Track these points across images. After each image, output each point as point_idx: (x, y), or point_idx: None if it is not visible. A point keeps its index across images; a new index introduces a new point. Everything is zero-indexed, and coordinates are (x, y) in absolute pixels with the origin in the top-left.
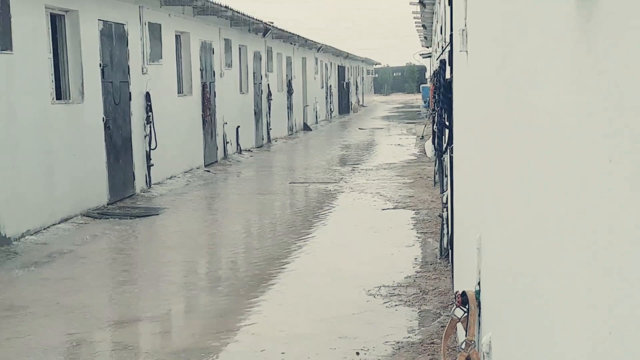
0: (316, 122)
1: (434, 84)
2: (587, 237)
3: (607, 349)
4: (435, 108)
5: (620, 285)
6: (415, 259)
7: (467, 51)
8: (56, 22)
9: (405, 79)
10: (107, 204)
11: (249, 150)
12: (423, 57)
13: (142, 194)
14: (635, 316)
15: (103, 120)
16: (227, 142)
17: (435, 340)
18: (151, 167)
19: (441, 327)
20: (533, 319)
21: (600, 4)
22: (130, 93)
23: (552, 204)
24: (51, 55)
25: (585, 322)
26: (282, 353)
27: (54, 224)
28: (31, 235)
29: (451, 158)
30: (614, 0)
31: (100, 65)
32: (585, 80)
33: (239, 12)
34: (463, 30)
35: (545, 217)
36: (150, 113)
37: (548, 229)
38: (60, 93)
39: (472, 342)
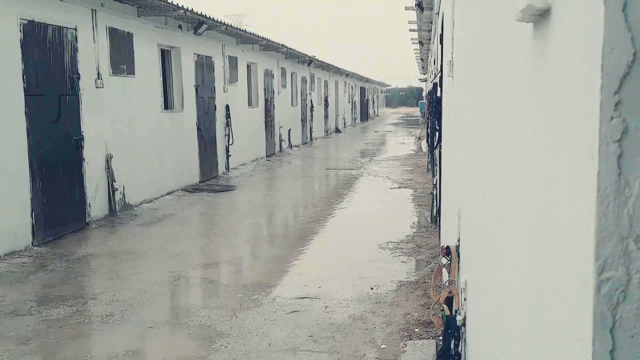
0: (344, 127)
1: (428, 100)
2: (524, 212)
3: (527, 281)
4: (429, 117)
5: (543, 240)
6: (413, 223)
7: (452, 76)
8: (164, 55)
9: (407, 96)
10: (198, 183)
11: (297, 146)
12: (420, 81)
13: (222, 175)
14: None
15: (196, 125)
16: (282, 140)
17: (426, 280)
18: (229, 157)
19: (431, 271)
20: (492, 264)
21: (550, 40)
22: (215, 105)
23: (503, 186)
24: (161, 78)
25: (518, 263)
26: (319, 287)
27: (162, 196)
28: (146, 203)
29: (440, 153)
30: (559, 43)
31: (194, 85)
32: (536, 97)
33: (291, 49)
34: (450, 61)
35: (497, 194)
36: (229, 119)
37: (500, 203)
38: (167, 105)
39: (453, 281)
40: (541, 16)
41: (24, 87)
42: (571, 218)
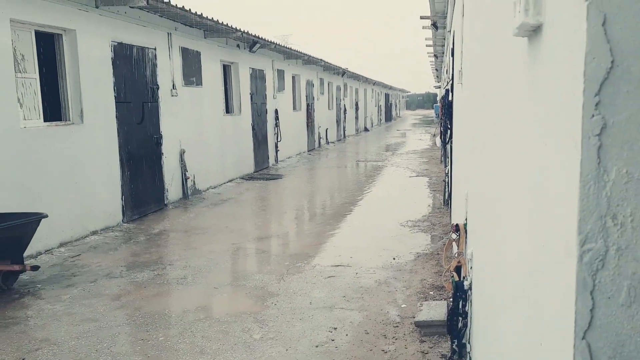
0: (372, 126)
1: (442, 104)
2: (519, 195)
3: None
4: (443, 118)
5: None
6: (429, 205)
7: (462, 83)
8: (226, 69)
9: (424, 100)
10: (253, 172)
11: (333, 142)
12: (435, 88)
13: (272, 166)
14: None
15: (251, 125)
16: (320, 138)
17: (439, 252)
18: (278, 151)
19: (443, 245)
20: (493, 239)
21: (541, 47)
22: (266, 110)
23: (502, 173)
24: (223, 88)
25: (514, 237)
26: (351, 257)
27: (224, 182)
28: (212, 189)
29: (451, 147)
30: (549, 53)
31: (250, 94)
32: (529, 95)
33: (328, 62)
34: (460, 70)
35: (498, 180)
36: (277, 121)
37: (500, 188)
38: (228, 109)
39: (462, 253)
40: (534, 31)
41: (114, 96)
42: (558, 199)
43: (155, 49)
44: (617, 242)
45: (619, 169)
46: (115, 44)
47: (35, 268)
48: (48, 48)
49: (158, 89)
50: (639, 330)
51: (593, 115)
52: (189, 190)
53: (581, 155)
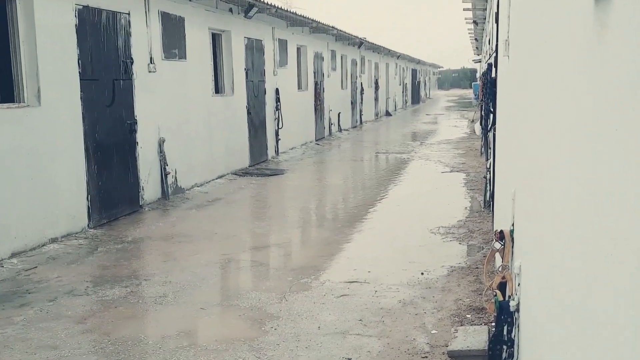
0: (395, 110)
1: (483, 81)
2: (579, 195)
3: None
4: (483, 99)
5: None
6: (466, 208)
7: (508, 56)
8: (215, 38)
9: (460, 78)
10: (248, 166)
11: (347, 129)
12: (474, 62)
13: (272, 159)
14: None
15: (246, 108)
16: (331, 124)
17: (479, 266)
18: (279, 141)
19: (483, 257)
20: (547, 248)
21: (612, 14)
22: (265, 89)
23: (559, 167)
24: (212, 62)
25: (572, 248)
26: (368, 272)
27: (212, 179)
28: (198, 186)
29: (494, 135)
30: (620, 16)
31: (245, 69)
32: (594, 75)
33: (341, 31)
34: (506, 40)
35: (553, 176)
36: (278, 103)
37: (556, 186)
38: (217, 89)
39: (507, 266)
40: None
41: (79, 72)
42: (627, 200)
43: (128, 14)
44: None
45: None
46: (80, 7)
47: None
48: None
49: (132, 63)
50: None
51: None
52: (169, 189)
53: None
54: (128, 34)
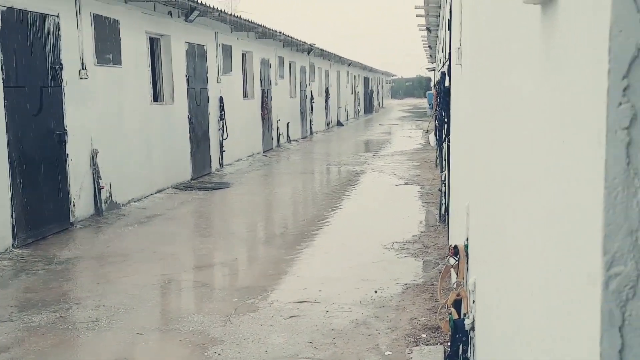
0: (347, 119)
1: (436, 90)
2: (533, 207)
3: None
4: (437, 109)
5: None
6: (420, 222)
7: (461, 64)
8: (153, 43)
9: (415, 87)
10: (191, 180)
11: (296, 140)
12: (429, 70)
13: (216, 172)
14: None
15: (188, 118)
16: (280, 134)
17: (434, 282)
18: (223, 152)
19: (439, 273)
20: (501, 263)
21: (558, 25)
22: (208, 97)
23: (512, 179)
24: (150, 68)
25: (527, 262)
26: (319, 291)
27: (151, 194)
28: (135, 202)
29: (448, 146)
30: (567, 25)
31: (186, 76)
32: (544, 85)
33: (289, 36)
34: (458, 48)
35: (506, 189)
36: (222, 112)
37: (509, 198)
38: (156, 96)
39: (462, 282)
40: None
41: (2, 79)
42: (579, 211)
43: (58, 16)
44: None
45: None
46: (4, 9)
47: None
48: None
49: (62, 69)
50: None
51: (620, 103)
52: (103, 205)
53: (606, 153)
54: (57, 38)
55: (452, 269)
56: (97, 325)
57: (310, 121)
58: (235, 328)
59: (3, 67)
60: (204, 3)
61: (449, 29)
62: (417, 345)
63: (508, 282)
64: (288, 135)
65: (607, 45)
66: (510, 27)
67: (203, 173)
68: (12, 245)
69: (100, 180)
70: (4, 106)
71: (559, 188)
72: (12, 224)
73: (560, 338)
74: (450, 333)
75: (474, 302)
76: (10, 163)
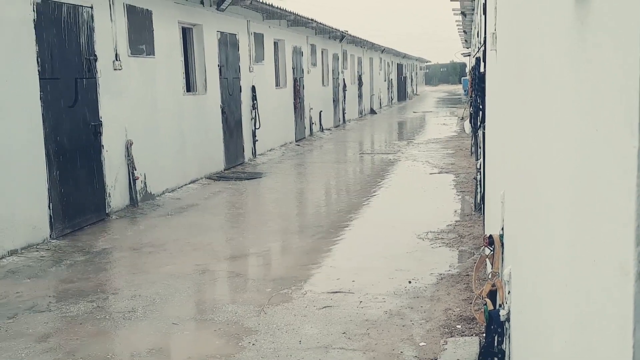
0: (380, 107)
1: (471, 77)
2: (566, 196)
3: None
4: (473, 95)
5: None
6: (455, 211)
7: (496, 50)
8: (186, 33)
9: (449, 73)
10: (224, 170)
11: (329, 129)
12: (464, 56)
13: (249, 162)
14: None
15: (220, 107)
16: (312, 123)
17: (469, 272)
18: (256, 142)
19: (474, 263)
20: (536, 254)
21: (591, 13)
22: (240, 86)
23: (546, 168)
24: (182, 58)
25: (561, 252)
26: (353, 281)
27: (185, 184)
28: (169, 192)
29: (484, 134)
30: (600, 9)
31: (218, 66)
32: (577, 72)
33: (321, 24)
34: (493, 33)
35: (540, 177)
36: (255, 102)
37: (543, 187)
38: (189, 87)
39: (497, 273)
40: None
41: (38, 71)
42: (611, 201)
43: (92, 8)
44: None
45: None
46: (39, 1)
47: None
48: None
49: (96, 60)
50: None
51: None
52: (138, 195)
53: (639, 143)
54: (91, 29)
55: (487, 259)
56: (133, 315)
57: (343, 109)
58: (269, 318)
59: (39, 59)
60: None
61: (484, 13)
62: (451, 337)
63: (542, 272)
64: (321, 124)
65: (639, 34)
66: (544, 13)
67: (236, 163)
68: (50, 236)
69: (135, 171)
70: (40, 98)
71: (592, 178)
72: (50, 215)
73: (593, 329)
74: (485, 324)
75: (509, 292)
76: (47, 155)
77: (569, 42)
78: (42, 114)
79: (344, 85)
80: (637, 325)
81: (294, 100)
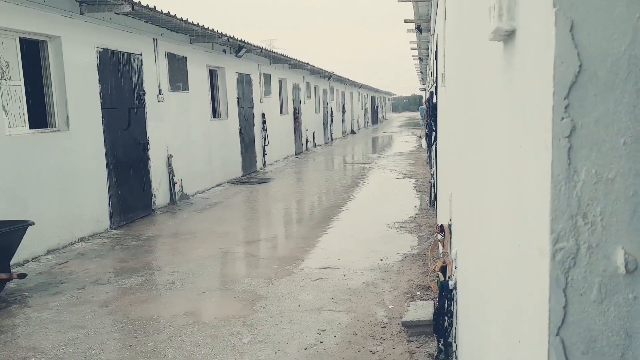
0: (359, 129)
1: (427, 106)
2: (498, 196)
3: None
4: (428, 120)
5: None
6: (415, 206)
7: (445, 86)
8: (212, 73)
9: (410, 103)
10: (241, 176)
11: (320, 145)
12: (421, 90)
13: (260, 170)
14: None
15: (239, 130)
16: (307, 141)
17: (426, 252)
18: (265, 155)
19: (429, 245)
20: (474, 239)
21: (514, 67)
22: (253, 114)
23: (482, 175)
24: (209, 92)
25: (494, 237)
26: (339, 259)
27: (212, 187)
28: (200, 193)
29: (436, 149)
30: (522, 57)
31: (236, 98)
32: (505, 102)
33: (314, 66)
34: (442, 73)
35: (478, 181)
36: (264, 125)
37: (480, 189)
38: (215, 114)
39: (447, 253)
40: (508, 36)
41: (100, 102)
42: (532, 200)
43: (141, 55)
44: (588, 241)
45: (588, 169)
46: (101, 50)
47: (22, 276)
48: (33, 55)
49: (144, 94)
50: (611, 326)
51: (563, 118)
52: (176, 195)
53: (552, 156)
54: (140, 71)
55: (439, 243)
56: (173, 286)
57: (331, 130)
58: (275, 288)
59: (101, 94)
60: (250, 43)
61: (436, 58)
62: (413, 300)
63: (480, 253)
64: (314, 141)
65: (552, 73)
66: (480, 58)
67: (250, 171)
68: (109, 226)
69: (174, 177)
70: (102, 123)
71: (517, 182)
72: (109, 211)
73: (518, 296)
74: (438, 291)
75: (456, 268)
76: (107, 165)
77: (498, 81)
78: (104, 135)
79: (332, 112)
80: (552, 294)
81: (294, 124)
